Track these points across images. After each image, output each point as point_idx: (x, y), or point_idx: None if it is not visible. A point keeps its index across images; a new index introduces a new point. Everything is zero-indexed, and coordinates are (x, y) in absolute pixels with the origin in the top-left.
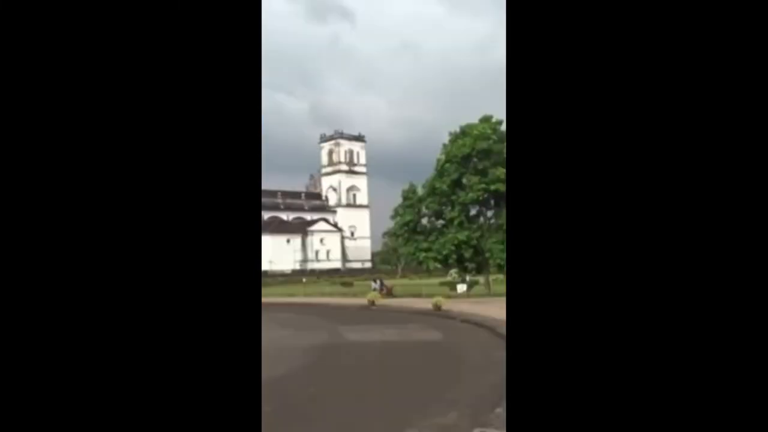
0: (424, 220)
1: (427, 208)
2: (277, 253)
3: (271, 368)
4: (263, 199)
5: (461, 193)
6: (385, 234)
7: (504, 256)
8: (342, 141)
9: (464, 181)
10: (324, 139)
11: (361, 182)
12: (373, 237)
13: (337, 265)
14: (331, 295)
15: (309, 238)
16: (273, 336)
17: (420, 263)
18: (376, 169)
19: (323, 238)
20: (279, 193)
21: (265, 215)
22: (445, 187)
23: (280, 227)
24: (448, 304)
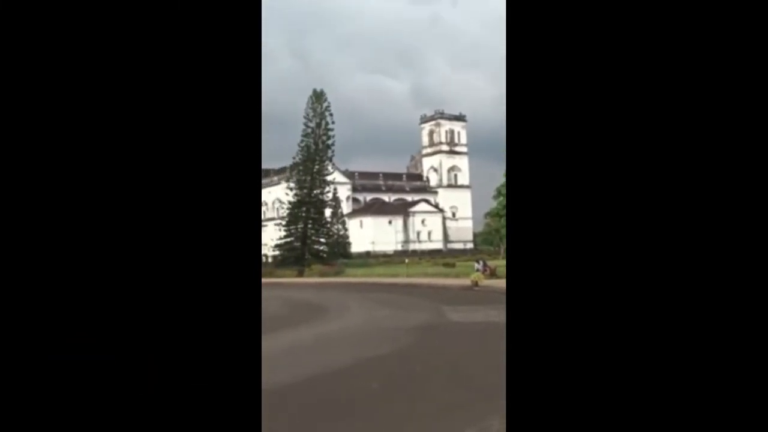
0: None
1: None
2: (379, 235)
3: (375, 347)
4: (365, 181)
5: None
6: (487, 214)
7: None
8: (442, 121)
9: None
10: (424, 119)
11: (462, 162)
12: (474, 217)
13: (439, 246)
14: (433, 275)
15: (410, 219)
16: (377, 316)
17: None
18: (477, 149)
19: (424, 219)
20: (380, 175)
21: (367, 197)
22: None
23: (382, 209)
24: None
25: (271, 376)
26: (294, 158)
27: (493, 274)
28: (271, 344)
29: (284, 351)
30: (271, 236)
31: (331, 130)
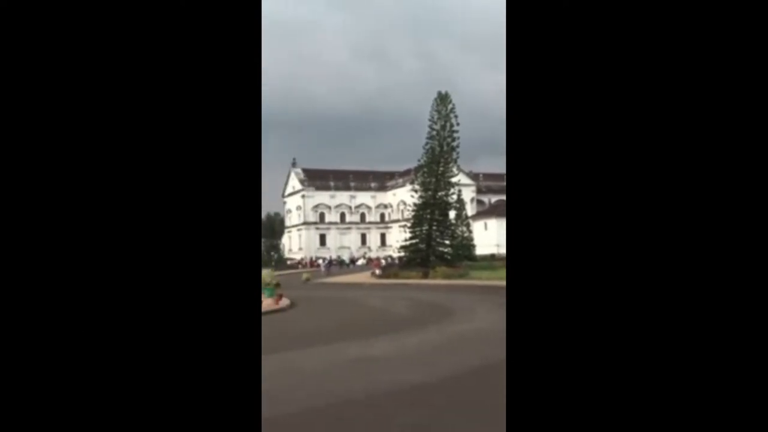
0: None
1: None
2: (504, 237)
3: (502, 350)
4: (490, 183)
5: None
6: None
7: None
8: None
9: None
10: None
11: None
12: None
13: None
14: None
15: None
16: (504, 319)
17: None
18: None
19: None
20: (505, 176)
21: (492, 198)
22: None
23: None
24: None
25: (403, 375)
26: (419, 160)
27: None
28: (400, 344)
29: (415, 351)
30: (396, 238)
31: (456, 131)
